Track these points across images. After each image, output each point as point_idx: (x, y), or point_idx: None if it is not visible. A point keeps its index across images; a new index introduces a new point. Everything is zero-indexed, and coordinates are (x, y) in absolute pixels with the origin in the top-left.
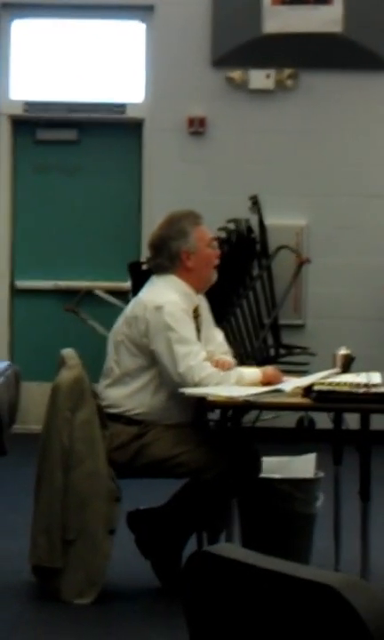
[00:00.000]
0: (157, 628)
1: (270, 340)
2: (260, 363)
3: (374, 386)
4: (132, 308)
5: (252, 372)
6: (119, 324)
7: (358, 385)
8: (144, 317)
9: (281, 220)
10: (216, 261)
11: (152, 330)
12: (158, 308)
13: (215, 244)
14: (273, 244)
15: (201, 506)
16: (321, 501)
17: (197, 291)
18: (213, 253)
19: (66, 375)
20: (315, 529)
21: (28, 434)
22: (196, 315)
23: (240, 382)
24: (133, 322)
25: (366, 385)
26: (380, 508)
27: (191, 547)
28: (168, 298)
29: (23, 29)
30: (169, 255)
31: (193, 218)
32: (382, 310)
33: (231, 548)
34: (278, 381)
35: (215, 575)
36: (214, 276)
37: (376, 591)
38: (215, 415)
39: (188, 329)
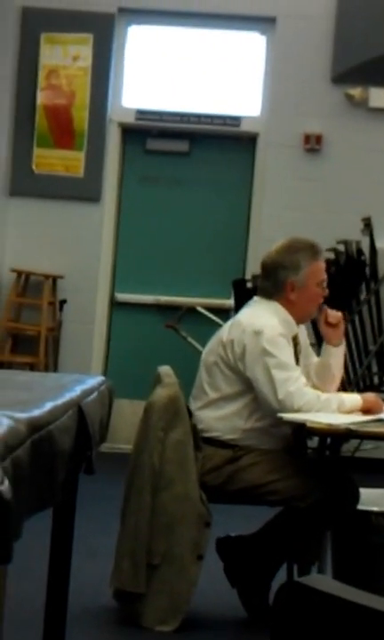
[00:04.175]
0: None
1: (375, 368)
2: (362, 390)
3: None
4: (228, 330)
5: (353, 399)
6: (213, 345)
7: None
8: (241, 341)
9: None
10: (320, 300)
11: (249, 355)
12: (257, 333)
13: (325, 284)
14: (383, 268)
15: (293, 535)
16: None
17: (297, 322)
18: (320, 293)
19: (161, 393)
20: None
21: (115, 453)
22: (295, 343)
23: (341, 408)
24: (229, 345)
25: None
26: None
27: (280, 577)
28: (267, 322)
29: (139, 36)
30: (275, 282)
31: (312, 252)
32: None
33: (323, 581)
34: (379, 409)
35: (306, 607)
36: (315, 313)
37: None
38: (313, 442)
39: (286, 354)
